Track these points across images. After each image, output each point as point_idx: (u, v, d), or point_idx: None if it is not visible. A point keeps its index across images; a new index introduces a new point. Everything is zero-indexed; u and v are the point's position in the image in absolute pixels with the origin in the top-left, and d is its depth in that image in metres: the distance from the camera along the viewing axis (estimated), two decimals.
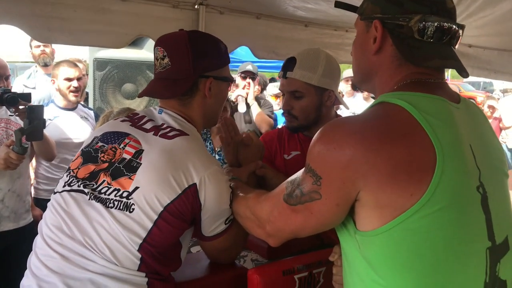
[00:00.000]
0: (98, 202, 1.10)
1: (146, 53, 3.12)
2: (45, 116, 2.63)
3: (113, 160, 1.16)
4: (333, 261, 1.05)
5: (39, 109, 2.14)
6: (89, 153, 1.22)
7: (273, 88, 5.05)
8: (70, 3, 2.44)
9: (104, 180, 1.14)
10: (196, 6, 2.82)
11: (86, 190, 1.13)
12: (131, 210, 1.07)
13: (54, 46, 3.58)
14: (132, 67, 3.05)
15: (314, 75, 1.48)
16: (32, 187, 2.70)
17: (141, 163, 1.12)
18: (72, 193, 1.14)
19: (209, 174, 1.12)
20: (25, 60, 4.68)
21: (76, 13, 2.48)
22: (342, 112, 4.24)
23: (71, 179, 1.18)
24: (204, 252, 1.32)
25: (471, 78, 17.55)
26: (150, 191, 1.08)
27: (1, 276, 2.33)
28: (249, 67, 3.70)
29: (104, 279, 1.04)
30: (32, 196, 2.65)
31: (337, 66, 1.58)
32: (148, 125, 1.22)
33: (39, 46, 3.50)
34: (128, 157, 1.15)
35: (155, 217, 1.07)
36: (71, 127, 2.74)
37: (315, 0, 2.93)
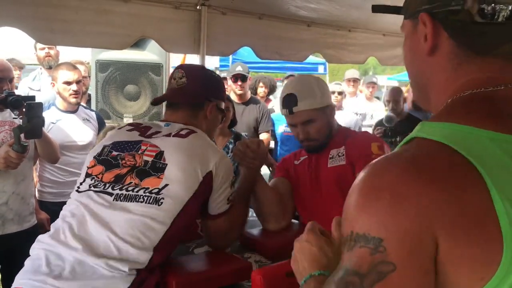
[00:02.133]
0: (124, 200, 1.20)
1: (148, 54, 3.12)
2: (48, 119, 2.66)
3: (137, 165, 1.28)
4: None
5: (38, 106, 2.07)
6: (108, 161, 1.31)
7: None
8: (72, 4, 2.44)
9: (131, 182, 1.25)
10: (198, 7, 2.83)
11: (112, 191, 1.23)
12: (160, 203, 1.20)
13: (58, 47, 3.58)
14: (135, 69, 3.05)
15: (315, 100, 1.60)
16: (37, 190, 2.70)
17: (166, 164, 1.26)
18: (98, 193, 1.24)
19: (219, 160, 1.31)
20: (29, 62, 4.67)
21: (78, 15, 2.49)
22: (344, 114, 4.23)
23: (96, 182, 1.27)
24: (207, 235, 1.41)
25: None
26: (178, 186, 1.23)
27: (5, 278, 2.34)
28: (239, 68, 3.56)
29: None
30: (37, 199, 2.65)
31: (324, 83, 1.76)
32: (157, 134, 1.37)
33: (43, 49, 3.49)
34: (150, 159, 1.28)
35: (181, 207, 1.21)
36: (74, 129, 2.74)
37: (318, 0, 2.92)
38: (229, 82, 3.66)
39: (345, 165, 1.58)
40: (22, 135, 2.03)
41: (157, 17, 2.76)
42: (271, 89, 4.94)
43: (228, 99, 2.98)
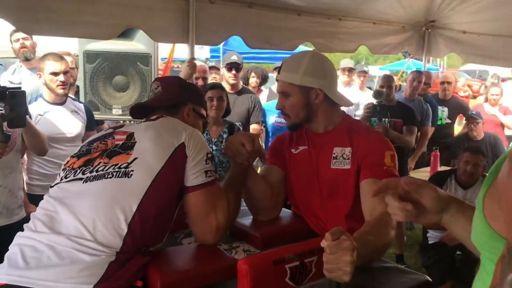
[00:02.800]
0: (94, 180, 1.20)
1: (136, 44, 3.07)
2: (35, 111, 2.63)
3: (107, 148, 1.30)
4: (324, 248, 1.04)
5: (21, 95, 2.03)
6: (81, 153, 1.35)
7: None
8: None
9: (100, 162, 1.26)
10: None
11: (82, 176, 1.23)
12: (130, 175, 1.20)
13: (44, 39, 3.51)
14: (123, 59, 3.00)
15: (296, 75, 1.52)
16: (25, 183, 2.67)
17: (136, 141, 1.29)
18: (69, 182, 1.24)
19: (191, 132, 1.33)
20: (6, 56, 4.52)
21: (64, 4, 2.44)
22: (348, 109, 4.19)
23: (66, 173, 1.28)
24: (189, 221, 1.35)
25: (467, 67, 17.51)
26: (148, 157, 1.23)
27: None
28: (234, 58, 3.55)
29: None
30: (26, 192, 2.62)
31: (324, 66, 1.57)
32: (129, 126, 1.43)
33: (18, 40, 3.38)
34: (121, 142, 1.31)
35: (153, 177, 1.20)
36: (62, 121, 2.71)
37: None
38: (222, 71, 3.64)
39: (349, 170, 1.49)
40: (5, 124, 2.00)
41: (145, 6, 2.72)
42: (263, 80, 4.90)
43: (222, 88, 2.97)
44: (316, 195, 1.56)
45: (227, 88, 3.40)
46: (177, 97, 1.52)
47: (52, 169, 2.67)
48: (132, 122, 1.63)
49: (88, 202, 1.16)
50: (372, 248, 1.23)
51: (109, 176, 1.20)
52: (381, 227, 1.30)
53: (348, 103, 1.64)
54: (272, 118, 3.60)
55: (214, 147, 2.85)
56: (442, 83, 4.61)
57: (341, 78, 4.71)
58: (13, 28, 3.10)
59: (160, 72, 3.61)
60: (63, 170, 1.31)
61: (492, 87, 5.08)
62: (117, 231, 1.12)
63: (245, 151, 1.43)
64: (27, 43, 3.43)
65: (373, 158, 1.46)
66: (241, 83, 3.75)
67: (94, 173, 1.22)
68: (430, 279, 1.32)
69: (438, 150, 3.85)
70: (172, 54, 3.72)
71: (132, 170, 1.20)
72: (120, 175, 1.20)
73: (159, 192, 1.20)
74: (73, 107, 2.80)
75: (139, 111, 1.57)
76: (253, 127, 3.49)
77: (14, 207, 2.33)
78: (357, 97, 4.53)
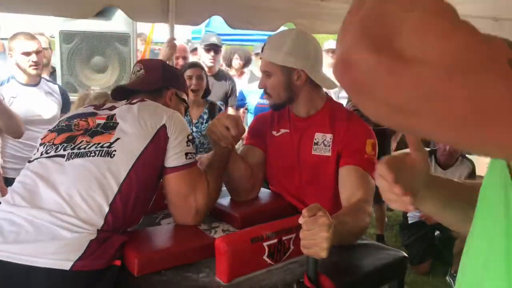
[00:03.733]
0: (76, 157, 1.19)
1: (115, 25, 3.00)
2: (8, 94, 2.54)
3: (89, 128, 1.29)
4: (301, 224, 1.03)
5: None
6: (60, 129, 1.31)
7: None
8: None
9: (82, 140, 1.25)
10: None
11: (64, 153, 1.21)
12: (112, 155, 1.19)
13: (17, 19, 3.39)
14: (101, 40, 2.93)
15: (278, 55, 1.49)
16: (0, 167, 2.61)
17: (117, 122, 1.28)
18: (50, 158, 1.22)
19: (171, 114, 1.32)
20: None
21: None
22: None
23: (47, 148, 1.25)
24: (168, 201, 1.35)
25: None
26: (130, 138, 1.23)
27: None
28: (213, 39, 3.49)
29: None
30: (2, 176, 2.56)
31: (308, 46, 1.52)
32: (110, 107, 1.40)
33: None
34: (102, 121, 1.30)
35: (135, 158, 1.20)
36: (36, 103, 2.62)
37: None
38: (200, 51, 3.58)
39: (329, 157, 1.48)
40: None
41: None
42: (247, 61, 4.84)
43: (201, 67, 2.91)
44: (296, 180, 1.56)
45: None
46: (160, 81, 1.51)
47: (27, 152, 2.60)
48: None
49: (70, 178, 1.15)
50: (349, 229, 1.23)
51: (91, 154, 1.19)
52: (358, 212, 1.31)
53: (332, 86, 1.60)
54: (255, 99, 3.57)
55: (194, 129, 2.82)
56: None
57: (326, 59, 4.67)
58: None
59: (139, 54, 3.53)
60: (42, 145, 1.29)
61: None
62: (99, 209, 1.11)
63: (230, 135, 1.42)
64: None
65: (354, 146, 1.45)
66: (217, 66, 3.68)
67: (76, 150, 1.21)
68: (407, 255, 1.34)
69: None
70: (151, 36, 3.63)
71: (115, 150, 1.20)
72: (102, 154, 1.19)
73: (140, 173, 1.20)
74: (47, 88, 2.71)
75: (120, 93, 1.54)
76: (230, 110, 3.49)
77: None
78: None
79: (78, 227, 1.07)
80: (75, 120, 1.33)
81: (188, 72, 2.74)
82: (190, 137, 1.34)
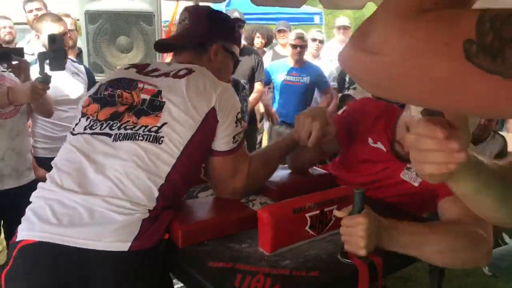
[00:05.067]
0: (123, 140, 1.15)
1: (140, 4, 2.98)
2: (35, 75, 2.56)
3: (134, 103, 1.23)
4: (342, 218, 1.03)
5: (60, 39, 2.09)
6: (103, 99, 1.27)
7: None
8: None
9: (128, 120, 1.20)
10: None
11: (110, 132, 1.18)
12: (161, 142, 1.15)
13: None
14: (126, 19, 2.92)
15: None
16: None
17: (164, 102, 1.20)
18: (96, 136, 1.18)
19: (221, 93, 1.23)
20: (19, 21, 4.47)
21: None
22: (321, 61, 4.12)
23: (91, 123, 1.22)
24: (211, 178, 1.34)
25: None
26: (178, 125, 1.17)
27: (6, 233, 2.34)
28: (236, 14, 3.43)
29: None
30: (34, 155, 2.61)
31: None
32: (155, 72, 1.31)
33: (31, 11, 3.33)
34: (147, 97, 1.22)
35: (183, 146, 1.16)
36: (63, 84, 2.64)
37: None
38: None
39: (416, 189, 1.33)
40: (47, 68, 2.07)
41: None
42: (269, 40, 4.79)
43: None
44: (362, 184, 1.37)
45: None
46: (205, 34, 1.39)
47: (56, 132, 2.64)
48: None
49: (119, 162, 1.12)
50: (421, 243, 1.06)
51: (139, 138, 1.15)
52: (461, 233, 1.09)
53: None
54: (281, 76, 3.52)
55: None
56: None
57: (337, 36, 4.60)
58: None
59: (164, 34, 3.52)
60: (84, 116, 1.25)
61: None
62: (150, 192, 1.11)
63: (307, 141, 1.36)
64: (40, 13, 3.33)
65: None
66: (243, 41, 3.65)
67: (123, 131, 1.17)
68: None
69: None
70: (175, 15, 3.61)
71: (163, 137, 1.15)
72: (151, 140, 1.15)
73: (188, 161, 1.18)
74: (73, 69, 2.73)
75: (163, 47, 1.57)
76: (257, 86, 3.45)
77: (23, 169, 2.32)
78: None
79: (130, 209, 1.07)
80: (118, 91, 1.27)
81: None
82: (239, 116, 1.28)
